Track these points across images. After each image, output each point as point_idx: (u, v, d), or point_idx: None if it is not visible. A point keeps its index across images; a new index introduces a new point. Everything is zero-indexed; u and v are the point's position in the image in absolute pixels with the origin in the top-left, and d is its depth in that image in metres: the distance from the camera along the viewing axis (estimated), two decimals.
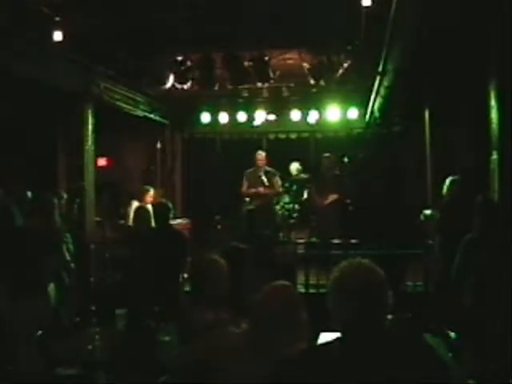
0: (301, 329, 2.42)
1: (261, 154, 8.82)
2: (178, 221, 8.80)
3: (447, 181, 6.13)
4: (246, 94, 9.54)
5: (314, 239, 8.39)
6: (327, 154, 9.19)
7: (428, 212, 7.05)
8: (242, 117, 10.11)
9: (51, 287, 5.13)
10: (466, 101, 6.39)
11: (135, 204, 7.71)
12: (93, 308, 5.36)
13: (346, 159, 9.56)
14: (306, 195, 9.07)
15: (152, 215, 5.93)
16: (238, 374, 2.40)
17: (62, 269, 5.78)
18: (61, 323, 5.50)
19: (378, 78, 7.37)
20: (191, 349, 2.78)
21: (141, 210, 6.11)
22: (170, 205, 5.90)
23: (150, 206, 6.81)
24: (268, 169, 8.78)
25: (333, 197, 8.69)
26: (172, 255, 5.36)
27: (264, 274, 4.94)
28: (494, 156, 4.99)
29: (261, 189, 8.57)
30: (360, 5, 5.19)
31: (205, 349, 2.63)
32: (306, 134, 10.78)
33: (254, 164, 8.77)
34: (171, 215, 5.86)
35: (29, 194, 6.31)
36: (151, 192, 7.99)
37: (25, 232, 4.98)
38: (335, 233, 8.11)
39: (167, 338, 3.72)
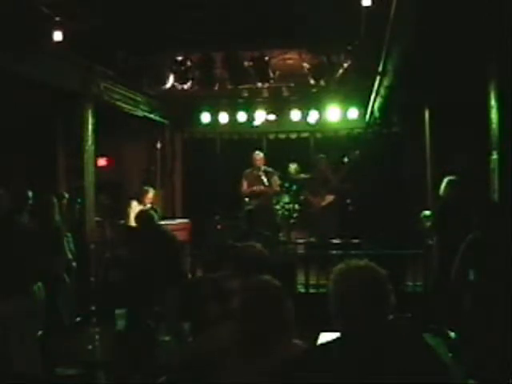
0: (285, 323, 2.42)
1: (258, 155, 8.82)
2: (178, 221, 8.80)
3: (444, 181, 6.10)
4: (246, 94, 9.52)
5: (313, 239, 8.39)
6: (321, 155, 9.20)
7: (428, 213, 7.05)
8: (242, 117, 10.09)
9: (39, 286, 5.03)
10: (466, 101, 6.38)
11: (135, 204, 7.73)
12: (93, 308, 5.37)
13: (345, 159, 9.55)
14: (302, 197, 9.07)
15: (153, 216, 5.96)
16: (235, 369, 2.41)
17: (62, 269, 5.79)
18: (61, 323, 5.51)
19: (377, 78, 7.36)
20: (196, 343, 2.78)
21: (144, 213, 6.16)
22: (153, 211, 6.09)
23: (149, 206, 6.84)
24: (267, 168, 8.78)
25: (329, 198, 8.69)
26: (163, 257, 5.38)
27: (264, 274, 4.94)
28: (494, 156, 4.98)
29: (261, 187, 8.57)
30: (360, 5, 5.20)
31: (208, 344, 2.63)
32: (305, 134, 10.77)
33: (252, 164, 8.77)
34: (156, 218, 5.98)
35: (29, 193, 6.30)
36: (151, 193, 7.99)
37: (22, 231, 4.96)
38: (334, 233, 8.12)
39: (167, 338, 3.73)
